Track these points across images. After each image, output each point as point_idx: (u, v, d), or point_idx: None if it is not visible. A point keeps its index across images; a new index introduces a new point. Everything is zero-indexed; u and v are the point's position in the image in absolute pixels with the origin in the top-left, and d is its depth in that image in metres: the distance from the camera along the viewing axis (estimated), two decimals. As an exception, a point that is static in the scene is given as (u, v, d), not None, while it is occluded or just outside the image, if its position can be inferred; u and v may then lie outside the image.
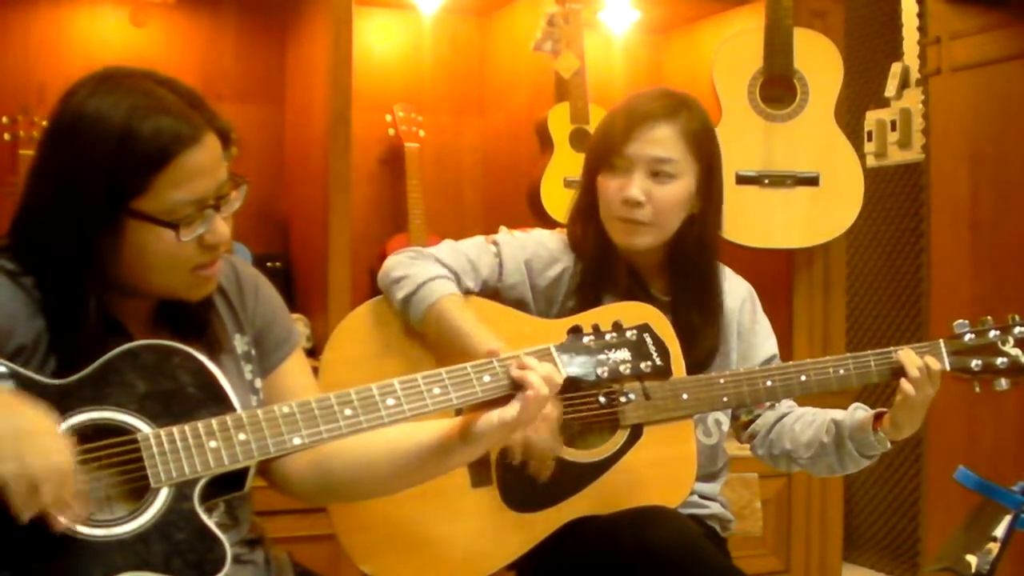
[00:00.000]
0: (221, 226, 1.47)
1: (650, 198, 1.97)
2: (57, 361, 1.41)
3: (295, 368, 1.68)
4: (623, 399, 1.90)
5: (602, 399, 1.93)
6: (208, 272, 1.49)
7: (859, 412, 1.99)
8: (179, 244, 1.43)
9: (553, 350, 1.58)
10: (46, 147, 1.45)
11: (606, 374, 1.61)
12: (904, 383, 1.88)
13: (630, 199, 1.96)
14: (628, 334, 1.64)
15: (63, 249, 1.41)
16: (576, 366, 1.59)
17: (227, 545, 1.39)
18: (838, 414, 2.01)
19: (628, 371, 1.62)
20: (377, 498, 1.75)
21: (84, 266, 1.41)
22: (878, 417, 1.95)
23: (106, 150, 1.38)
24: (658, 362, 1.64)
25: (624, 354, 1.62)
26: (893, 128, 4.08)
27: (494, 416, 1.52)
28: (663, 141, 1.98)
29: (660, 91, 2.06)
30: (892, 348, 1.94)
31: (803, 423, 2.05)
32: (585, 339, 1.62)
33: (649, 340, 1.65)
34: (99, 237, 1.40)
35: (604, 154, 2.01)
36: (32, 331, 1.42)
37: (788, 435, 2.06)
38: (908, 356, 1.91)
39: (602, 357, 1.61)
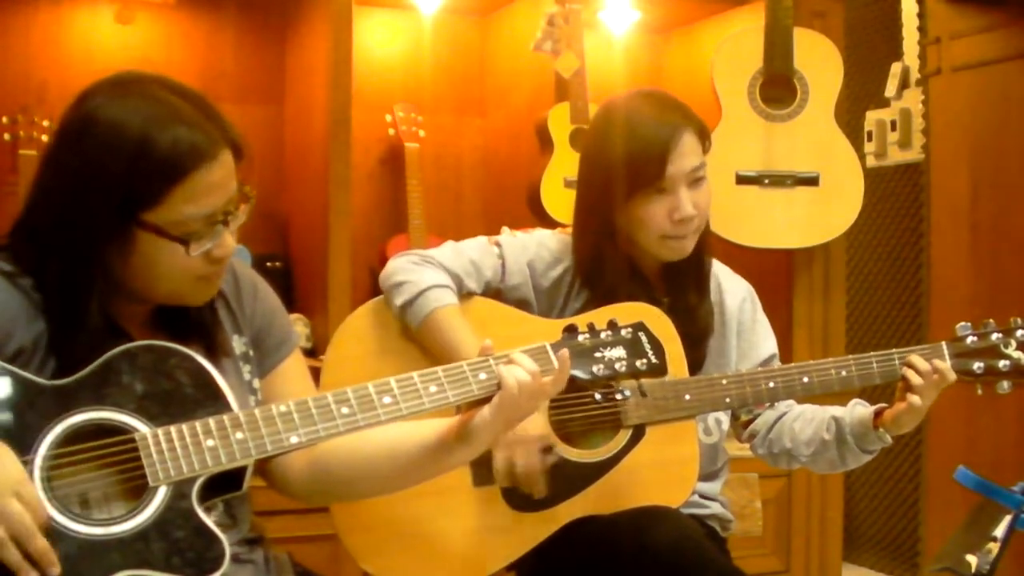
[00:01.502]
0: (228, 240, 1.47)
1: (696, 207, 1.96)
2: (57, 363, 1.41)
3: (293, 369, 1.68)
4: (619, 396, 1.89)
5: (598, 396, 1.93)
6: (213, 279, 1.50)
7: (859, 408, 1.99)
8: (187, 258, 1.43)
9: (548, 348, 1.59)
10: (56, 152, 1.43)
11: (602, 371, 1.61)
12: (911, 396, 1.88)
13: (686, 217, 1.94)
14: (623, 332, 1.65)
15: (69, 253, 1.41)
16: (572, 364, 1.59)
17: (225, 543, 1.39)
18: (838, 411, 2.01)
19: (624, 369, 1.62)
20: (375, 497, 1.74)
21: (89, 271, 1.41)
22: (878, 413, 1.95)
23: (122, 157, 1.37)
24: (653, 360, 1.64)
25: (620, 352, 1.63)
26: (893, 128, 4.07)
27: (486, 410, 1.52)
28: (693, 148, 1.96)
29: (659, 98, 2.02)
30: (895, 350, 1.93)
31: (803, 421, 2.05)
32: (580, 337, 1.63)
33: (644, 338, 1.65)
34: (107, 244, 1.40)
35: (640, 181, 1.94)
36: (32, 333, 1.42)
37: (788, 433, 2.06)
38: (912, 371, 1.89)
39: (597, 355, 1.62)
